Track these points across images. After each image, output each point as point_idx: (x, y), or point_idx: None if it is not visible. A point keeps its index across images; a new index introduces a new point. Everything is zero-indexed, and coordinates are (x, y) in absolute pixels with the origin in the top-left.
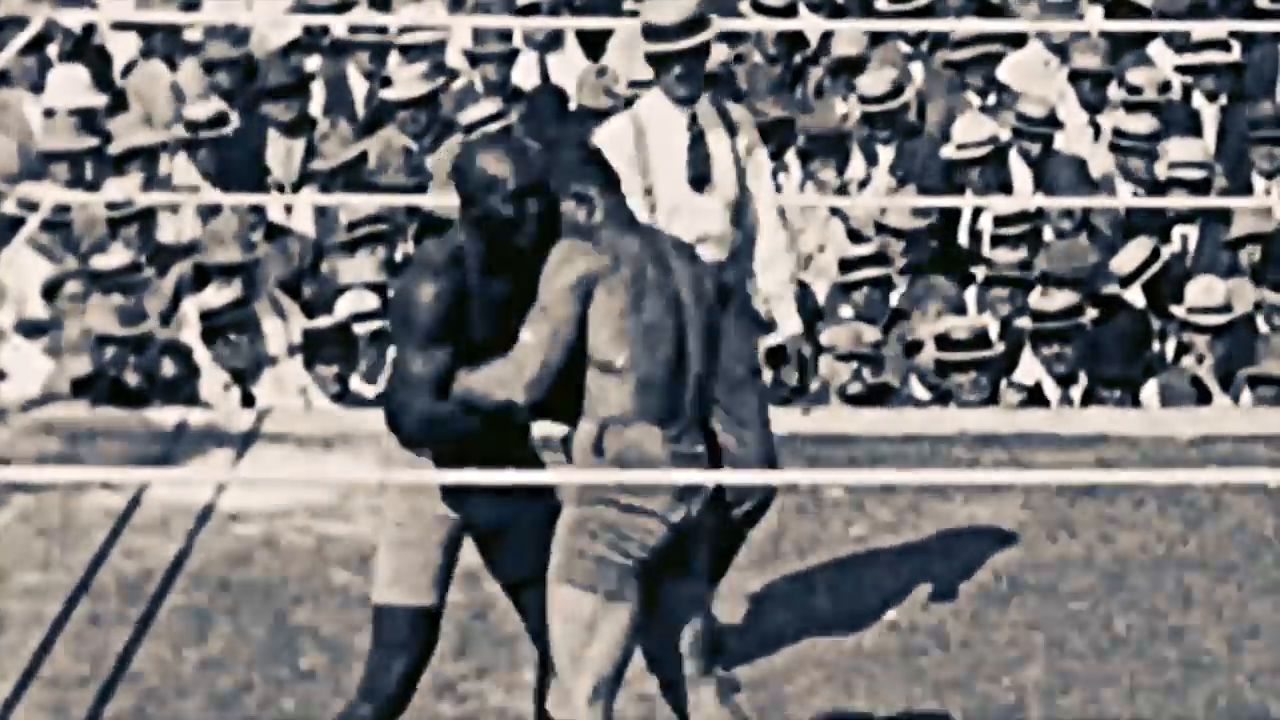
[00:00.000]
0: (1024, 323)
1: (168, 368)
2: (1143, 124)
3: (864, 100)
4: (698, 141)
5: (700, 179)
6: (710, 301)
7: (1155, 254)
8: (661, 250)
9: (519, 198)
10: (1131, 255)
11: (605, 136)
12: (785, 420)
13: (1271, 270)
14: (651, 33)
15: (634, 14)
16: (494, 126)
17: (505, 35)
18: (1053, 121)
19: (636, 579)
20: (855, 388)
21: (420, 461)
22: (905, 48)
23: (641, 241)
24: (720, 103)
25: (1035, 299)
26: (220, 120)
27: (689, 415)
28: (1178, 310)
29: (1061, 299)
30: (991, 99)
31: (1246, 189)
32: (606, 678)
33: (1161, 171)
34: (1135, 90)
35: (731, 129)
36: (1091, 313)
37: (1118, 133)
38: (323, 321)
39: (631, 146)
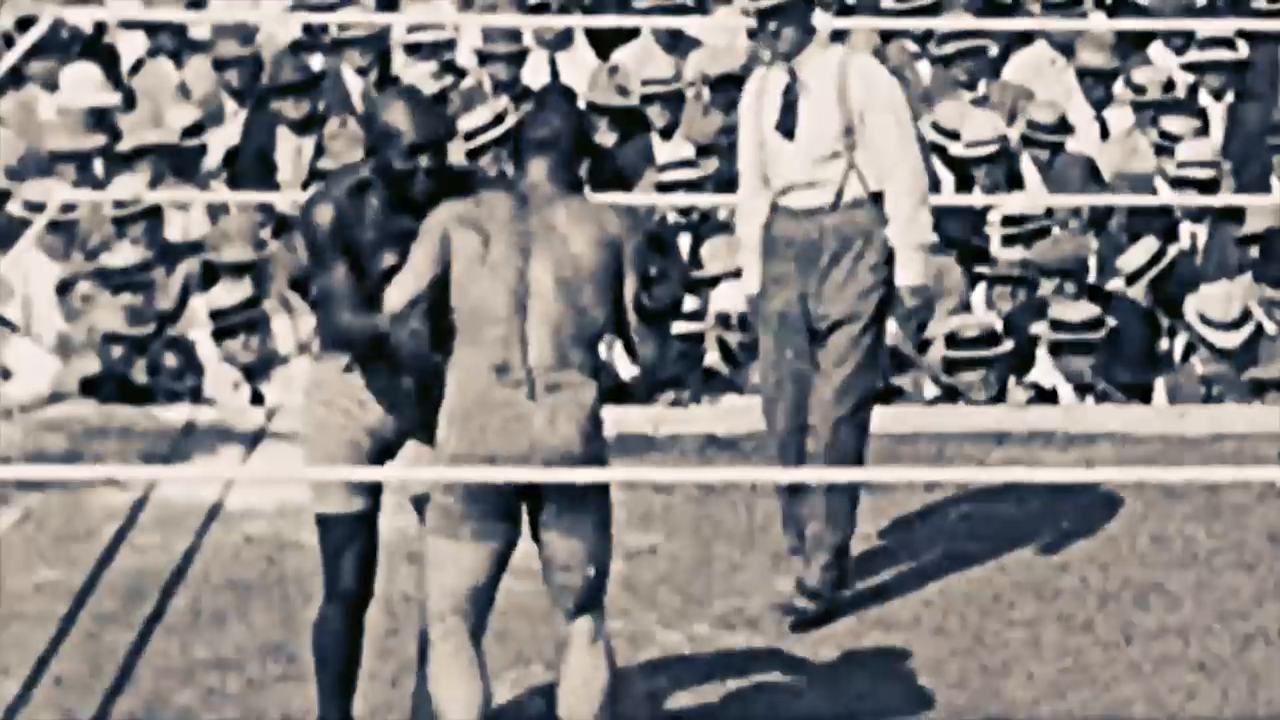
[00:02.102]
0: (1042, 329)
1: (175, 366)
2: (1186, 126)
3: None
4: (788, 93)
5: (786, 130)
6: (591, 271)
7: (1161, 253)
8: (526, 214)
9: (414, 153)
10: (1136, 254)
11: (748, 84)
12: None
13: (1272, 267)
14: None
15: (643, 12)
16: (494, 133)
17: (515, 34)
18: (1064, 128)
19: (473, 521)
20: None
21: (352, 379)
22: (912, 46)
23: (519, 206)
24: (849, 62)
25: (1056, 309)
26: (197, 129)
27: (530, 367)
28: (1191, 317)
29: (1083, 310)
30: (980, 90)
31: (1254, 186)
32: (450, 608)
33: (1171, 170)
34: (1139, 90)
35: (844, 89)
36: (1111, 321)
37: (1164, 135)
38: None
39: (754, 95)
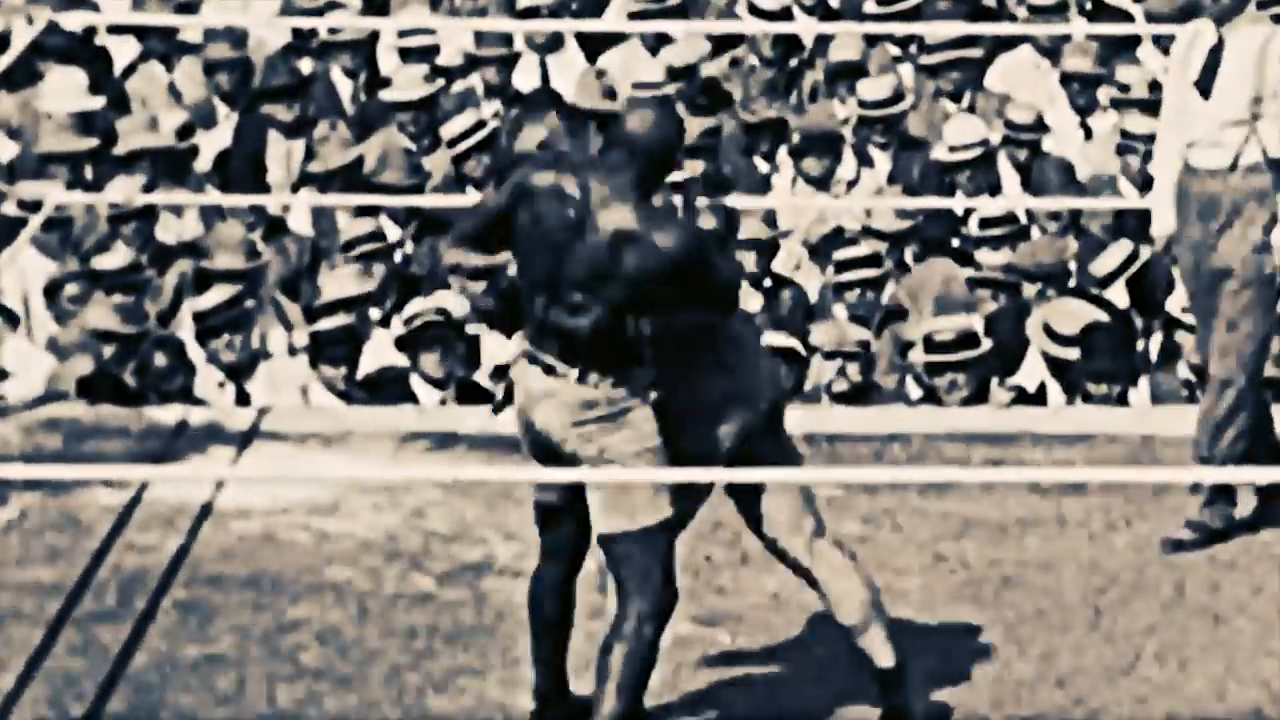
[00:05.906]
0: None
1: (166, 366)
2: (1145, 124)
3: (863, 105)
4: (1213, 54)
5: (1203, 88)
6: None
7: (1134, 255)
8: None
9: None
10: (1110, 257)
11: (1180, 37)
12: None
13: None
14: None
15: (634, 16)
16: (476, 137)
17: (506, 38)
18: (1040, 127)
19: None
20: (840, 385)
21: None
22: (895, 50)
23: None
24: (1275, 36)
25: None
26: (187, 131)
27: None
28: (1171, 309)
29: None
30: (966, 101)
31: None
32: None
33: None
34: (1124, 89)
35: (1263, 61)
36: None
37: (1123, 134)
38: (330, 322)
39: (1184, 49)
